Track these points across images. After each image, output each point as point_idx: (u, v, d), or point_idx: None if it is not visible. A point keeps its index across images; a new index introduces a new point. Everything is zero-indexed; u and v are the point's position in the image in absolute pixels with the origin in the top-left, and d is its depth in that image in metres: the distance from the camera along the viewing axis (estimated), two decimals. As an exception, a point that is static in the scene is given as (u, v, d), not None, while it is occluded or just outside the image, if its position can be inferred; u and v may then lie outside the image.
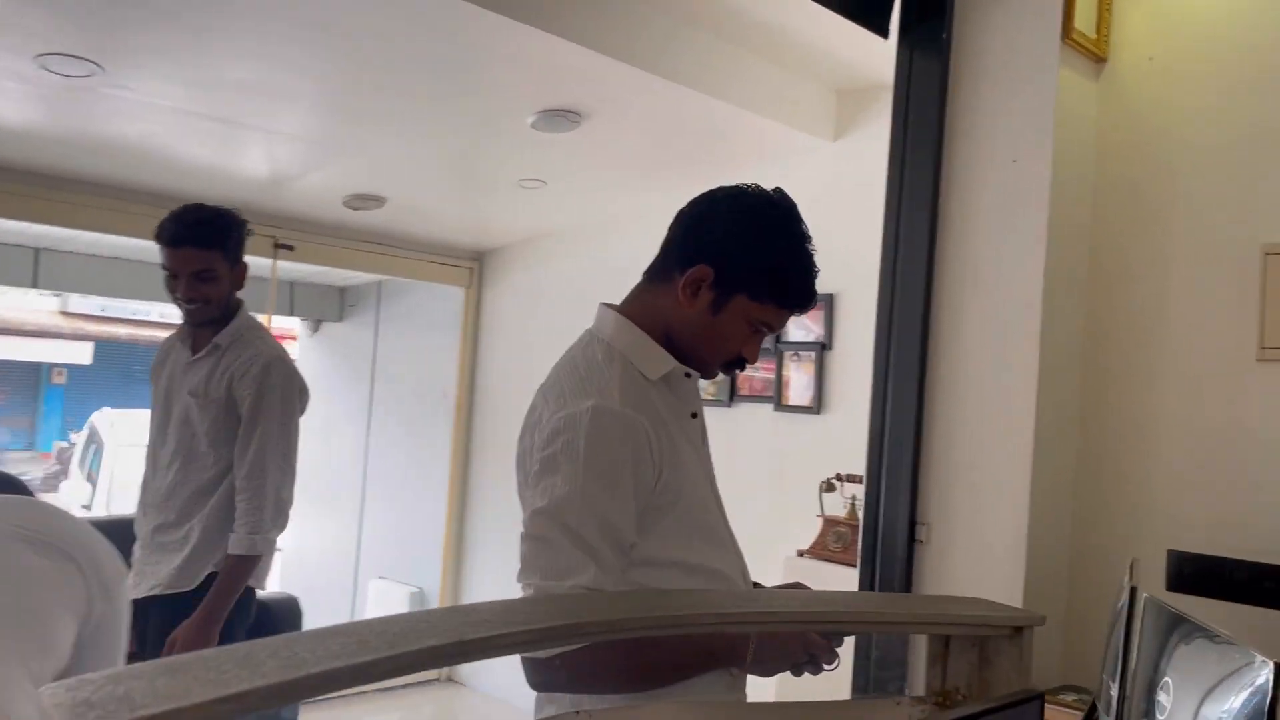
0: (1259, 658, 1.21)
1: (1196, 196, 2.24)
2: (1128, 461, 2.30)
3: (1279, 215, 2.11)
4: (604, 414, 1.30)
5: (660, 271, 1.44)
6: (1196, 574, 2.15)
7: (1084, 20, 2.33)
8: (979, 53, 2.35)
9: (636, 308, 1.45)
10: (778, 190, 1.40)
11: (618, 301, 1.49)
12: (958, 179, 2.35)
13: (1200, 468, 2.19)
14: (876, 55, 2.97)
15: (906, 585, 2.37)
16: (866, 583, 2.46)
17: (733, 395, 3.99)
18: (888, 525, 2.40)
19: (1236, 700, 1.25)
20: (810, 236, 1.38)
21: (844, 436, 3.44)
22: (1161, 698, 1.45)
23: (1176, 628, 1.53)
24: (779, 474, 3.81)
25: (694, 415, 1.48)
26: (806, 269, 1.38)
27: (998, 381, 2.25)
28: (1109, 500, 2.32)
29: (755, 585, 1.56)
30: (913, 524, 2.36)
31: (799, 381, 3.77)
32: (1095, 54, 2.37)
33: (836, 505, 3.43)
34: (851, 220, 2.87)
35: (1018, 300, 2.23)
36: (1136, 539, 2.24)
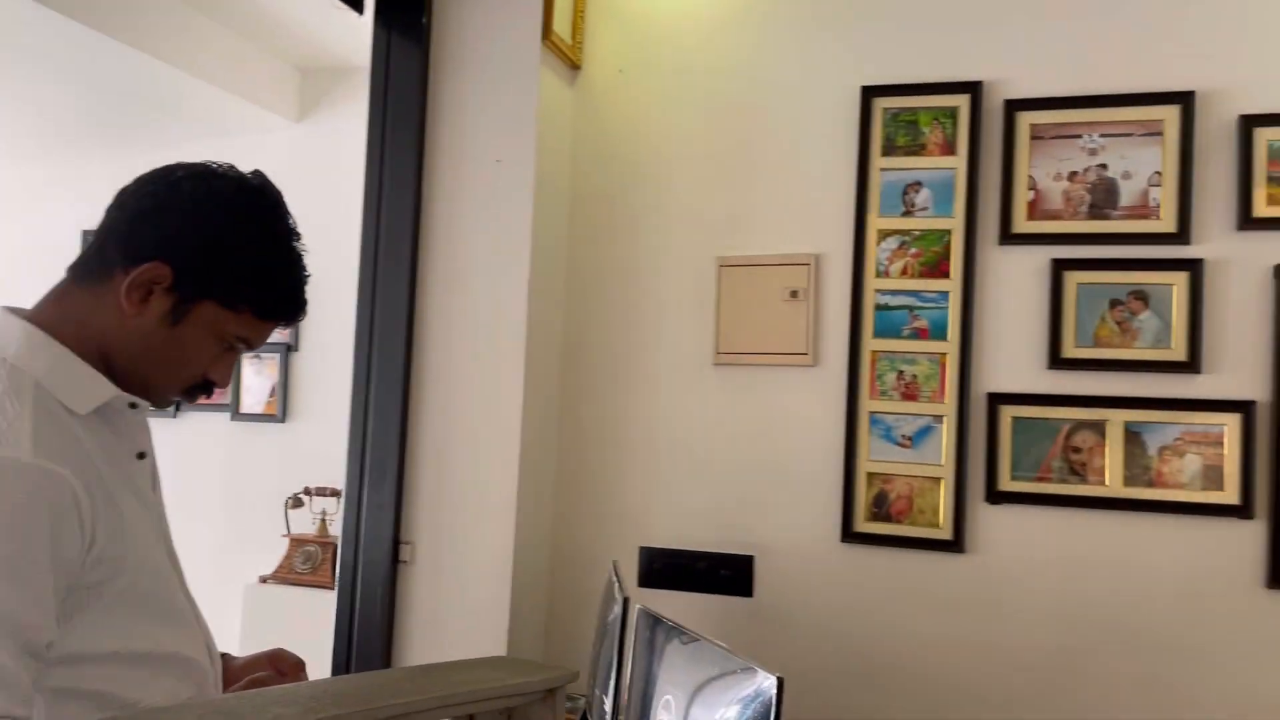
0: (760, 671, 1.24)
1: (661, 208, 2.35)
2: (603, 465, 2.36)
3: (732, 229, 2.29)
4: (8, 469, 0.94)
5: (94, 268, 1.09)
6: (665, 569, 2.27)
7: (561, 24, 2.33)
8: (460, 43, 2.26)
9: (57, 316, 1.08)
10: (257, 173, 1.13)
11: (25, 305, 1.11)
12: (442, 174, 2.24)
13: (666, 466, 2.31)
14: (345, 34, 2.76)
15: (390, 609, 2.24)
16: (345, 608, 2.29)
17: (178, 404, 3.50)
18: (369, 546, 2.25)
19: (740, 713, 1.26)
20: (300, 233, 1.14)
21: (313, 447, 3.18)
22: (663, 715, 1.45)
23: (671, 639, 1.54)
24: (237, 491, 3.43)
25: (141, 456, 1.15)
26: (296, 271, 1.13)
27: (485, 390, 2.19)
28: (587, 503, 2.37)
29: (224, 657, 1.28)
30: (396, 543, 2.22)
31: (260, 387, 3.40)
32: (571, 60, 2.39)
33: (305, 522, 3.14)
34: (319, 209, 2.62)
35: (504, 305, 2.19)
36: (613, 539, 2.31)
